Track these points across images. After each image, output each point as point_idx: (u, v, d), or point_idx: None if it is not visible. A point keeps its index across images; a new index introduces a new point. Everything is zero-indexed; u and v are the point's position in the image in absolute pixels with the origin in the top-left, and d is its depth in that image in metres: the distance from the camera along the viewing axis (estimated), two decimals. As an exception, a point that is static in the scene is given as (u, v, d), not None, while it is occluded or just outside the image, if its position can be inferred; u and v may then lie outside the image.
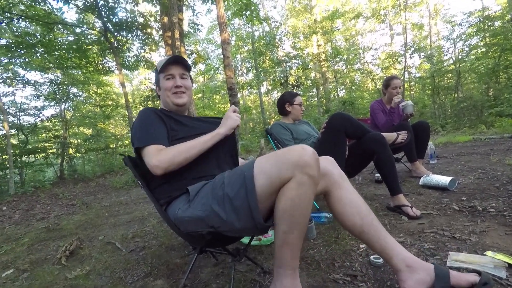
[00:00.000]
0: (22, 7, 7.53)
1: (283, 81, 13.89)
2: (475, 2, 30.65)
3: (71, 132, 12.30)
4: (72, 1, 7.95)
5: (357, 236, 1.05)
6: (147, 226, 2.61)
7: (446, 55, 12.21)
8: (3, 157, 8.84)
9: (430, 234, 1.53)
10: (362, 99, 14.66)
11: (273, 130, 2.41)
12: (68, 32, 9.29)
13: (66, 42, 9.29)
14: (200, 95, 18.50)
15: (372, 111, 3.08)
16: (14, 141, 10.06)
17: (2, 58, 8.61)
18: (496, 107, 7.73)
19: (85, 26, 9.41)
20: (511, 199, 1.81)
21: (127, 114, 9.62)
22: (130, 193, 4.98)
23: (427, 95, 12.24)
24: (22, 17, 7.63)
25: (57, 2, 7.49)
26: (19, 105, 10.07)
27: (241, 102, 20.96)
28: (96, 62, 10.19)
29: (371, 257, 1.32)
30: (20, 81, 9.68)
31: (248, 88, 17.89)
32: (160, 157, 1.10)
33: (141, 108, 1.33)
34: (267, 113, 19.45)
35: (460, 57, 11.04)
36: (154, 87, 1.44)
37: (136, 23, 9.28)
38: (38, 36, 8.41)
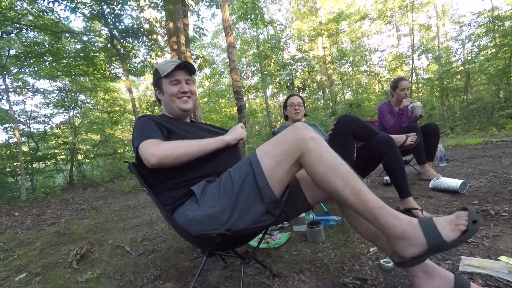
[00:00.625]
0: (30, 17, 7.71)
1: (288, 84, 13.90)
2: (484, 2, 30.31)
3: (80, 138, 12.50)
4: (79, 10, 8.11)
5: (371, 239, 1.02)
6: (156, 229, 2.62)
7: (455, 56, 12.03)
8: (15, 164, 9.06)
9: (441, 237, 1.50)
10: (369, 101, 14.54)
11: (279, 133, 2.41)
12: (76, 40, 9.47)
13: (74, 50, 9.48)
14: (206, 99, 18.60)
15: (380, 113, 3.06)
16: (25, 148, 10.29)
17: (12, 68, 8.82)
18: (507, 108, 7.56)
19: (92, 34, 9.60)
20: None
21: (134, 119, 9.73)
22: (139, 197, 5.02)
23: (435, 97, 12.09)
24: (31, 27, 7.80)
25: (64, 11, 7.67)
26: (29, 113, 10.31)
27: (247, 105, 20.99)
28: (103, 69, 10.35)
29: (381, 261, 1.30)
30: (30, 89, 9.96)
31: (254, 91, 17.95)
32: (158, 147, 1.08)
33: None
34: (273, 116, 19.45)
35: (469, 58, 10.87)
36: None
37: (142, 30, 9.42)
38: (46, 45, 8.60)
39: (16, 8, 7.41)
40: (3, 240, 3.19)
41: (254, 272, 1.43)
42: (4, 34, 7.43)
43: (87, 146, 12.99)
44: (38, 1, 7.33)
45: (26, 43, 8.50)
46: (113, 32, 8.85)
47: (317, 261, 1.45)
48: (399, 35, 17.47)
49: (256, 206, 0.96)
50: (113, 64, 10.56)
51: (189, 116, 1.47)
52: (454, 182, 2.25)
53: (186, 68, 1.37)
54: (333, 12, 16.69)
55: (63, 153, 11.06)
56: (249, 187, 0.96)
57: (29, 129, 10.16)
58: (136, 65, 10.75)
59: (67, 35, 8.98)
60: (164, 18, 8.47)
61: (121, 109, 13.41)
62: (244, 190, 0.96)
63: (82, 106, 12.11)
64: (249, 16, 9.41)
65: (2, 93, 9.22)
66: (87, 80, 10.93)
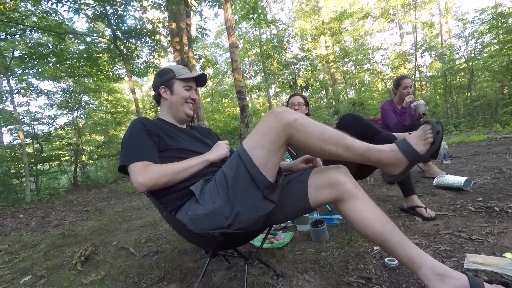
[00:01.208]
0: (34, 18, 7.76)
1: (291, 83, 13.87)
2: (487, -1, 30.10)
3: (84, 140, 12.58)
4: (82, 11, 8.15)
5: (379, 244, 1.00)
6: (160, 230, 2.63)
7: (458, 53, 11.97)
8: (19, 165, 9.11)
9: (445, 235, 1.49)
10: (372, 99, 14.49)
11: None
12: (79, 41, 9.54)
13: (77, 51, 9.55)
14: (209, 99, 18.63)
15: (383, 111, 3.04)
16: (29, 150, 10.36)
17: (16, 69, 8.89)
18: (511, 105, 7.52)
19: (95, 35, 9.67)
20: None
21: (137, 120, 9.75)
22: (142, 198, 5.04)
23: (439, 94, 12.02)
24: (35, 29, 7.86)
25: (68, 12, 7.70)
26: (33, 114, 10.37)
27: (250, 105, 21.01)
28: (107, 69, 10.41)
29: (386, 259, 1.30)
30: (34, 91, 10.00)
31: (257, 91, 17.92)
32: (146, 175, 1.10)
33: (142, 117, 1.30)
34: (276, 115, 19.32)
35: (472, 55, 10.80)
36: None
37: (145, 30, 9.46)
38: (50, 46, 8.67)
39: (20, 10, 7.47)
40: (8, 242, 3.21)
41: (258, 272, 1.43)
42: (8, 36, 7.50)
43: (91, 147, 13.05)
44: (41, 2, 7.37)
45: (30, 45, 8.57)
46: (116, 33, 8.89)
47: (321, 261, 1.44)
48: (402, 33, 17.39)
49: (252, 193, 0.98)
50: (116, 65, 10.61)
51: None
52: (458, 180, 2.23)
53: (200, 80, 1.46)
54: (336, 11, 16.65)
55: (67, 154, 11.12)
56: (242, 177, 0.98)
57: (33, 131, 10.24)
58: (139, 65, 10.80)
59: (70, 36, 9.06)
60: (167, 19, 8.51)
61: (125, 110, 13.46)
62: (238, 181, 0.99)
63: (86, 107, 12.17)
64: (251, 15, 9.42)
65: (6, 95, 9.32)
66: (91, 81, 11.00)
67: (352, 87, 18.30)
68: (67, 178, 10.85)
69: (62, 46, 8.64)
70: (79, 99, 11.29)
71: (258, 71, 18.05)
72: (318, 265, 1.40)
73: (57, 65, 9.11)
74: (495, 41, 9.63)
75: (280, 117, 0.98)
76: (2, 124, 10.35)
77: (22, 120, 9.69)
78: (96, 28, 9.67)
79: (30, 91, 9.91)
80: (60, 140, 11.13)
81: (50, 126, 10.74)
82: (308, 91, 14.37)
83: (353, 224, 1.04)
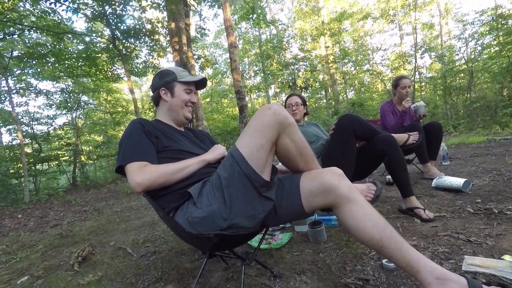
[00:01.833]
0: (33, 18, 7.74)
1: (291, 84, 13.87)
2: (487, 0, 30.14)
3: (83, 140, 12.57)
4: (81, 11, 8.13)
5: (377, 250, 0.99)
6: (158, 231, 2.62)
7: (458, 54, 11.95)
8: (18, 165, 9.09)
9: (444, 237, 1.49)
10: (372, 100, 14.48)
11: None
12: (78, 41, 9.51)
13: (76, 51, 9.53)
14: (208, 99, 18.62)
15: (382, 112, 3.04)
16: (28, 150, 10.36)
17: (14, 69, 8.87)
18: (511, 107, 7.52)
19: (94, 35, 9.64)
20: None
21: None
22: (141, 199, 5.02)
23: (438, 95, 12.02)
24: (33, 28, 7.84)
25: (66, 12, 7.69)
26: (32, 114, 10.37)
27: (249, 105, 20.97)
28: (106, 69, 10.40)
29: (383, 261, 1.29)
30: (33, 91, 10.00)
31: (256, 91, 17.91)
32: (144, 176, 1.09)
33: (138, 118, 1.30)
34: (275, 116, 19.30)
35: (472, 56, 10.80)
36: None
37: (144, 30, 9.45)
38: (49, 46, 8.63)
39: (18, 9, 7.44)
40: (5, 242, 3.20)
41: (256, 273, 1.42)
42: (7, 36, 7.48)
43: (90, 147, 13.03)
44: (40, 2, 7.35)
45: (29, 44, 8.55)
46: (115, 33, 8.89)
47: (318, 262, 1.43)
48: (402, 34, 17.38)
49: (248, 193, 0.98)
50: (115, 65, 10.59)
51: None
52: (457, 181, 2.23)
53: (200, 83, 1.47)
54: (336, 11, 16.64)
55: (66, 154, 11.11)
56: (236, 177, 0.97)
57: (32, 131, 10.24)
58: (138, 65, 10.79)
59: (69, 36, 9.03)
60: (166, 18, 8.50)
61: (124, 109, 13.45)
62: (233, 181, 0.98)
63: (85, 107, 12.16)
64: (251, 16, 9.43)
65: (5, 95, 9.29)
66: (90, 81, 10.99)
67: (352, 88, 18.28)
68: (66, 178, 10.84)
69: (61, 46, 8.61)
70: (78, 99, 11.28)
71: (257, 71, 18.03)
72: (316, 266, 1.40)
73: (56, 65, 9.10)
74: (495, 42, 9.63)
75: (278, 115, 0.98)
76: (1, 124, 10.31)
77: (21, 120, 9.68)
78: (95, 28, 9.64)
79: (29, 91, 9.92)
80: (59, 140, 11.13)
81: (49, 126, 10.76)
82: (308, 91, 14.37)
83: (349, 230, 1.01)
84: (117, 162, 1.18)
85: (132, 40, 9.61)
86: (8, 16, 7.12)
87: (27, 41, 8.69)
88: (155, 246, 2.18)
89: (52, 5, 7.41)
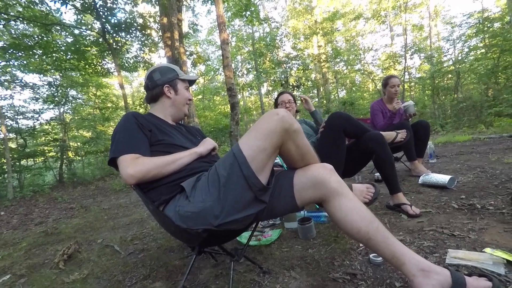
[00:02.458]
0: (19, 8, 7.51)
1: (283, 82, 13.89)
2: (475, 4, 30.81)
3: (71, 135, 12.29)
4: (70, 2, 7.94)
5: (364, 243, 1.01)
6: (146, 228, 2.59)
7: (446, 56, 12.20)
8: (2, 161, 8.82)
9: (429, 232, 1.52)
10: (363, 99, 14.66)
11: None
12: (67, 33, 9.28)
13: (65, 44, 9.29)
14: (200, 96, 18.49)
15: (372, 111, 3.07)
16: (12, 145, 10.07)
17: (-1, 61, 8.61)
18: (495, 107, 7.77)
19: (83, 27, 9.39)
20: (510, 197, 1.80)
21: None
22: (130, 196, 4.97)
23: (427, 95, 12.25)
24: (20, 19, 7.61)
25: (55, 3, 7.48)
26: (18, 108, 10.05)
27: (241, 103, 20.95)
28: (95, 63, 10.17)
29: (371, 256, 1.31)
30: (18, 84, 9.66)
31: (249, 89, 17.87)
32: (136, 167, 1.09)
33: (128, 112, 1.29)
34: (267, 114, 19.31)
35: (459, 58, 11.03)
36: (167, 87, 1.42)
37: (135, 24, 9.29)
38: (36, 38, 8.38)
39: (4, -1, 7.21)
40: (-12, 239, 3.12)
41: (245, 269, 1.42)
42: (-8, 26, 7.25)
43: (78, 143, 12.75)
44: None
45: (15, 35, 8.29)
46: (106, 26, 8.70)
47: (307, 257, 1.45)
48: (393, 35, 17.58)
49: (245, 195, 0.98)
50: (105, 59, 10.37)
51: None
52: (443, 178, 2.28)
53: (193, 81, 1.56)
54: (329, 11, 16.72)
55: (53, 150, 10.86)
56: (235, 177, 0.97)
57: (17, 125, 9.94)
58: (129, 60, 10.61)
59: (57, 27, 8.80)
60: (158, 13, 8.38)
61: (113, 105, 13.18)
62: (231, 181, 0.98)
63: (73, 102, 11.90)
64: (244, 13, 9.38)
65: (-12, 87, 9.00)
66: (78, 75, 10.71)
67: (343, 87, 18.43)
68: (52, 174, 10.61)
69: (48, 38, 8.39)
70: (66, 93, 10.98)
71: (250, 69, 17.98)
72: (305, 261, 1.41)
73: (43, 57, 8.86)
74: (481, 44, 9.88)
75: (285, 122, 0.98)
76: (-16, 118, 10.00)
77: (5, 114, 9.38)
78: (84, 20, 9.40)
79: (14, 83, 9.58)
80: (46, 136, 10.84)
81: (35, 120, 10.42)
82: (300, 90, 14.41)
83: (338, 223, 1.03)
84: (110, 155, 1.17)
85: (123, 34, 9.43)
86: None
87: (13, 32, 8.43)
88: (143, 244, 2.15)
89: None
